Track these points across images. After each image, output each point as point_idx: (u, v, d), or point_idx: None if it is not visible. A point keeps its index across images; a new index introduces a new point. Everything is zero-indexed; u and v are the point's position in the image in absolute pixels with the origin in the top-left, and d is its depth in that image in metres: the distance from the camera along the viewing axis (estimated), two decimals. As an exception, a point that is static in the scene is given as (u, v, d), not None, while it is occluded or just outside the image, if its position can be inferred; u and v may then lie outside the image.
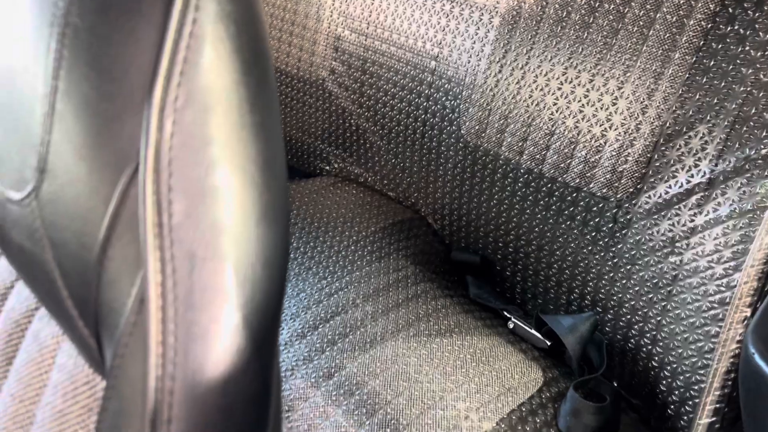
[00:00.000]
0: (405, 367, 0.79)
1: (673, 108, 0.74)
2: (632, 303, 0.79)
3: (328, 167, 1.19)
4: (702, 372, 0.70)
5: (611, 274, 0.81)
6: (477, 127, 0.92)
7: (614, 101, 0.78)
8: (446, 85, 0.95)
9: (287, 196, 0.31)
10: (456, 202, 0.99)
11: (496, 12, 0.90)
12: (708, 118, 0.72)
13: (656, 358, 0.76)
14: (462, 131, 0.94)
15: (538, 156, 0.85)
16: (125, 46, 0.26)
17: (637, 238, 0.77)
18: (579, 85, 0.82)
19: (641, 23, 0.77)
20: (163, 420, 0.26)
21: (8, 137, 0.30)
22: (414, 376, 0.77)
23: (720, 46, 0.72)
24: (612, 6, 0.80)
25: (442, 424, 0.72)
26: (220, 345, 0.27)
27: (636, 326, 0.79)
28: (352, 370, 0.79)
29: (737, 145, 0.69)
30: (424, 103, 0.98)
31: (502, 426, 0.72)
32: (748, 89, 0.69)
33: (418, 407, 0.74)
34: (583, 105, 0.81)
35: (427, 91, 0.98)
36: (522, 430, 0.72)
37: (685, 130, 0.73)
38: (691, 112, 0.73)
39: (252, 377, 0.28)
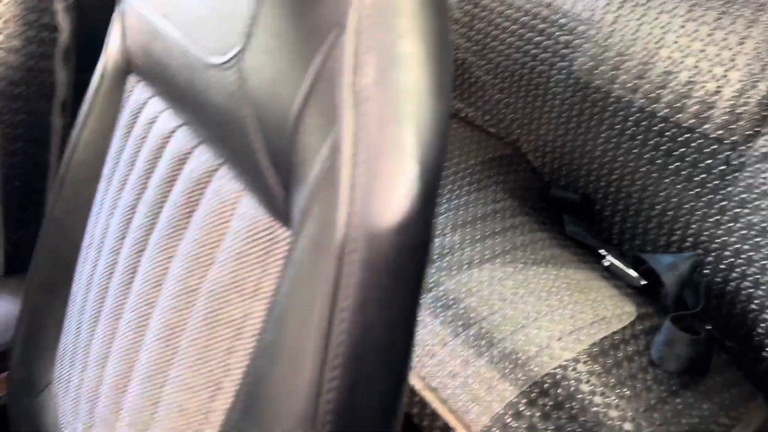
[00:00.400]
0: (501, 289, 0.82)
1: (806, 49, 0.72)
2: (737, 246, 0.79)
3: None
4: (805, 317, 0.70)
5: (717, 217, 0.81)
6: (590, 64, 0.91)
7: (741, 41, 0.77)
8: (561, 20, 0.95)
9: (451, 81, 0.34)
10: (560, 140, 1.00)
11: (622, -55, 0.88)
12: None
13: (757, 302, 0.76)
14: (574, 67, 0.94)
15: (652, 94, 0.84)
16: None
17: (749, 181, 0.76)
18: (705, 23, 0.80)
19: (780, -41, 0.75)
20: (347, 251, 0.31)
21: (217, 6, 0.34)
22: (510, 297, 0.81)
23: None
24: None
25: (535, 342, 0.75)
26: (400, 190, 0.31)
27: (738, 269, 0.79)
28: (449, 287, 0.83)
29: None
30: (536, 38, 0.99)
31: (594, 350, 0.74)
32: None
33: (512, 325, 0.77)
34: (706, 44, 0.80)
35: (540, 25, 0.98)
36: (614, 356, 0.75)
37: (816, 72, 0.71)
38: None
39: (420, 225, 0.31)
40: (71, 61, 0.87)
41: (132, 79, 0.55)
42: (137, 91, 0.53)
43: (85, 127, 0.58)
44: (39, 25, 0.83)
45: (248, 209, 0.38)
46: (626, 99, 0.87)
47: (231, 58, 0.35)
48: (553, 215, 1.03)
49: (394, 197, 0.30)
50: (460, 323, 0.78)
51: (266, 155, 0.34)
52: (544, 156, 1.05)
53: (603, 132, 0.92)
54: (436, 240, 0.90)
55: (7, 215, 0.90)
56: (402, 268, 0.31)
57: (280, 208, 0.36)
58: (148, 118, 0.50)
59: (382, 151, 0.31)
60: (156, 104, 0.50)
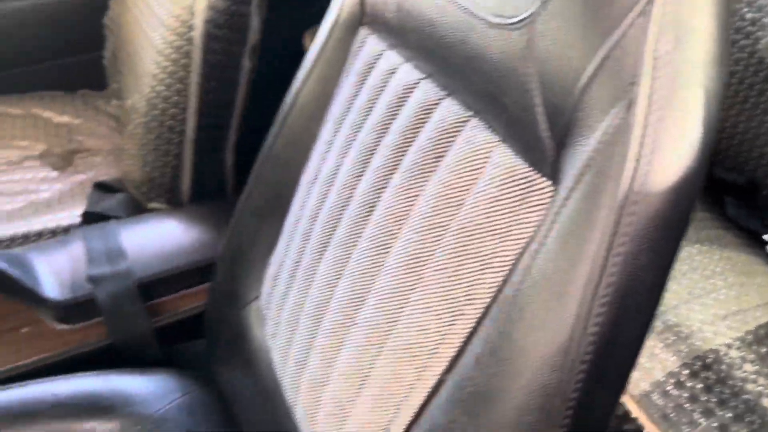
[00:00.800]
0: (662, 263, 0.83)
1: None
2: None
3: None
4: None
5: None
6: (780, 43, 0.88)
7: None
8: (751, -4, 0.92)
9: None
10: (732, 119, 0.98)
11: None
12: None
13: None
14: (759, 46, 0.91)
15: None
16: None
17: None
18: None
19: None
20: (629, 202, 0.34)
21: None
22: (672, 273, 0.81)
23: None
24: None
25: (699, 318, 0.76)
26: (685, 151, 0.33)
27: None
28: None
29: None
30: (721, 13, 0.96)
31: (761, 332, 0.75)
32: None
33: (676, 299, 0.78)
34: None
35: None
36: (780, 341, 0.74)
37: None
38: None
39: (694, 183, 0.34)
40: (263, 6, 0.94)
41: (363, 32, 0.60)
42: (371, 42, 0.58)
43: (312, 72, 0.64)
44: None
45: (504, 158, 0.42)
46: (818, 83, 0.84)
47: (522, 20, 0.38)
48: (714, 196, 1.02)
49: (678, 157, 0.33)
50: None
51: (544, 112, 0.38)
52: (710, 135, 1.02)
53: (784, 115, 0.89)
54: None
55: (196, 148, 0.99)
56: (675, 221, 0.34)
57: (545, 160, 0.39)
58: (386, 69, 0.55)
59: (672, 113, 0.33)
60: (393, 57, 0.55)
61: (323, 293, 0.56)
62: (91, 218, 0.96)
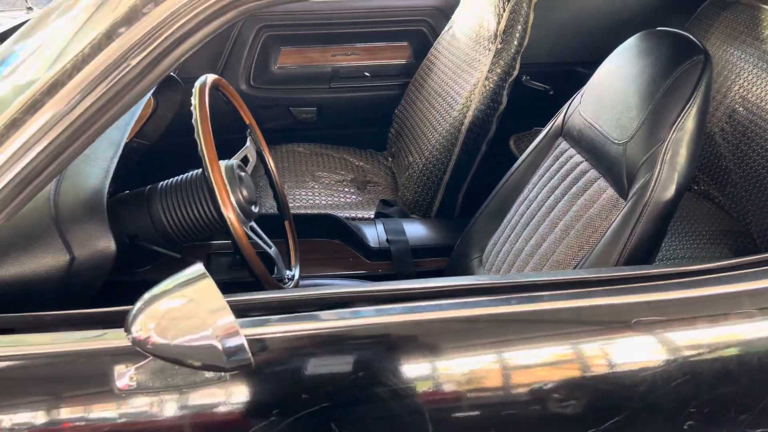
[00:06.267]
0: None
1: None
2: None
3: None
4: None
5: None
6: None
7: None
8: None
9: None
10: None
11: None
12: None
13: None
14: (794, 185, 1.50)
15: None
16: None
17: None
18: None
19: None
20: (651, 203, 1.02)
21: (620, 118, 1.08)
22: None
23: None
24: None
25: None
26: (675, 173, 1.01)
27: None
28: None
29: None
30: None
31: None
32: None
33: None
34: None
35: (779, 156, 1.56)
36: None
37: None
38: None
39: (681, 194, 1.02)
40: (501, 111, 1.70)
41: (559, 140, 1.33)
42: (562, 146, 1.30)
43: (528, 156, 1.37)
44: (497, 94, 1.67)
45: (600, 187, 1.11)
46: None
47: (623, 142, 1.08)
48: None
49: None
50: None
51: (624, 168, 1.07)
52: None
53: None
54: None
55: (445, 190, 1.75)
56: (670, 214, 1.01)
57: (623, 190, 1.08)
58: (567, 157, 1.26)
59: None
60: (570, 152, 1.26)
61: (516, 251, 1.26)
62: (379, 216, 1.75)
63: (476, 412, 0.77)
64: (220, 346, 0.62)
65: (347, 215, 1.76)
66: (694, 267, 0.81)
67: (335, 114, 2.14)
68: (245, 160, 1.24)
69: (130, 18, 0.71)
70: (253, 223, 1.16)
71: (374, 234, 1.60)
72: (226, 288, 0.70)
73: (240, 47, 2.02)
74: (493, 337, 0.78)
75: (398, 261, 1.55)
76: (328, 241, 1.60)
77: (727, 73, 1.71)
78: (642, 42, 1.17)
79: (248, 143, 1.26)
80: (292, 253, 1.28)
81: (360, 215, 1.78)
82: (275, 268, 1.21)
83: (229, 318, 0.62)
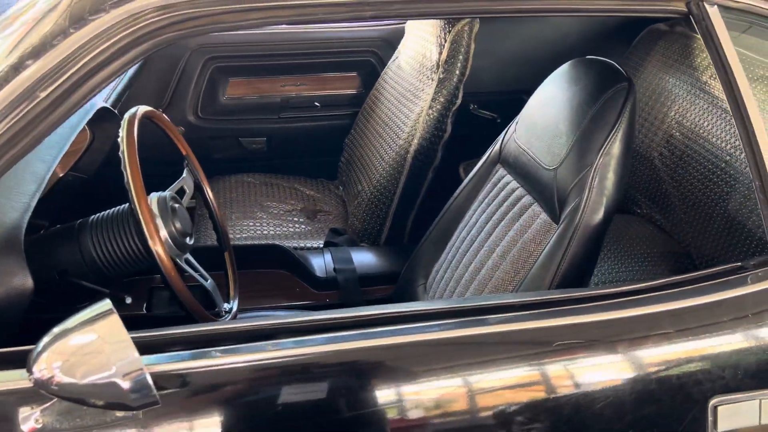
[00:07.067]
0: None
1: None
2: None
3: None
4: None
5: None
6: None
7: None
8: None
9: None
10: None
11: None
12: None
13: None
14: None
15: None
16: None
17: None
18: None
19: None
20: (580, 227, 1.03)
21: (551, 145, 1.10)
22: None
23: None
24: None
25: None
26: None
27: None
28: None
29: None
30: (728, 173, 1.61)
31: None
32: None
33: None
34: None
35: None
36: None
37: None
38: None
39: (611, 217, 1.04)
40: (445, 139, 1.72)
41: (497, 167, 1.34)
42: (500, 172, 1.32)
43: (469, 183, 1.39)
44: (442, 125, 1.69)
45: (533, 212, 1.13)
46: None
47: (554, 168, 1.10)
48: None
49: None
50: None
51: (555, 193, 1.09)
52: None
53: None
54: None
55: (394, 218, 1.76)
56: (600, 237, 1.03)
57: (554, 214, 1.09)
58: (504, 183, 1.28)
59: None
60: (507, 178, 1.28)
61: (458, 276, 1.26)
62: (328, 245, 1.74)
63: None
64: (123, 385, 0.60)
65: (295, 245, 1.75)
66: (615, 289, 0.82)
67: (285, 144, 2.14)
68: (181, 192, 1.22)
69: (39, 50, 0.70)
70: (188, 255, 1.14)
71: (321, 263, 1.60)
72: (166, 322, 0.67)
73: (187, 79, 2.01)
74: (420, 365, 0.78)
75: (345, 290, 1.54)
76: (274, 271, 1.59)
77: (663, 99, 1.76)
78: (571, 70, 1.20)
79: (185, 174, 1.25)
80: (231, 285, 1.27)
81: (308, 245, 1.77)
82: (214, 302, 1.19)
83: (133, 354, 0.60)
